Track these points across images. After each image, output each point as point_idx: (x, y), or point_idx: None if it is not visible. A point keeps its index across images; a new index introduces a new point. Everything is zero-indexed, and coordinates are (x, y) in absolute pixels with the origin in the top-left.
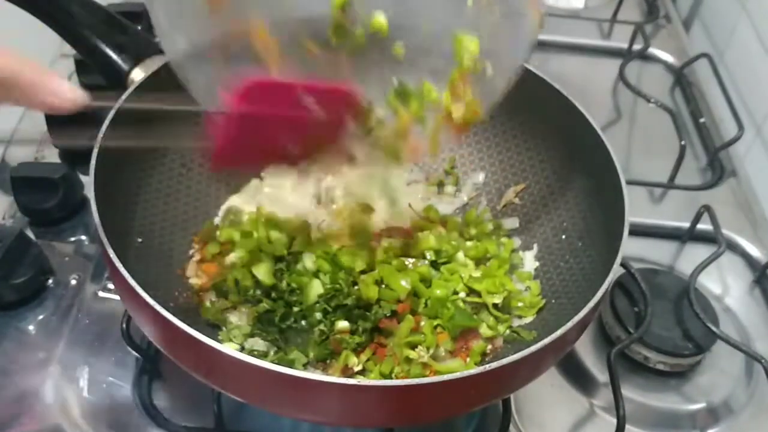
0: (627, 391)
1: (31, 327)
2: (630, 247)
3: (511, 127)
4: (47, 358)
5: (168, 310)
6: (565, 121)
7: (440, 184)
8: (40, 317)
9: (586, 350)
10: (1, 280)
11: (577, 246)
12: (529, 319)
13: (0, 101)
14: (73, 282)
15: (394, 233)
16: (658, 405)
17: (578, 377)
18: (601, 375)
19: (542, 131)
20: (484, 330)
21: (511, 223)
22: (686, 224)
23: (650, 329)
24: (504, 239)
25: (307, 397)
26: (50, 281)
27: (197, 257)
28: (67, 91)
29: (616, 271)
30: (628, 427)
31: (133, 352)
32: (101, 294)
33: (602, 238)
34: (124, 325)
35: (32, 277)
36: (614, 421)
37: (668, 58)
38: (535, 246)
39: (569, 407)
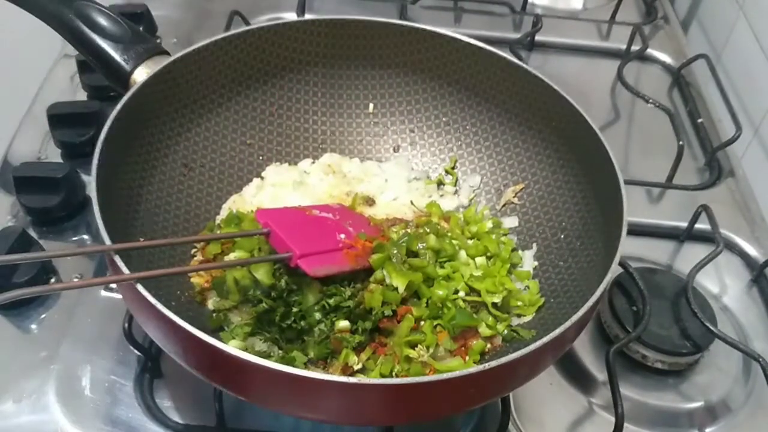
0: (625, 390)
1: (33, 326)
2: (628, 246)
3: (510, 127)
4: (50, 356)
5: (170, 309)
6: (564, 121)
7: (440, 183)
8: (43, 316)
9: (584, 349)
10: (3, 279)
11: (576, 246)
12: (528, 318)
13: None
14: (76, 281)
15: (398, 224)
16: (656, 403)
17: (577, 376)
18: (600, 374)
19: (541, 131)
20: (484, 329)
21: (511, 222)
22: (684, 224)
23: (648, 328)
24: (504, 238)
25: (308, 395)
26: (53, 281)
27: (199, 257)
28: None
29: (615, 270)
30: (626, 425)
31: (135, 351)
32: (103, 293)
33: (600, 238)
34: (126, 324)
35: (35, 277)
36: (613, 419)
37: (666, 58)
38: (534, 245)
39: (568, 406)
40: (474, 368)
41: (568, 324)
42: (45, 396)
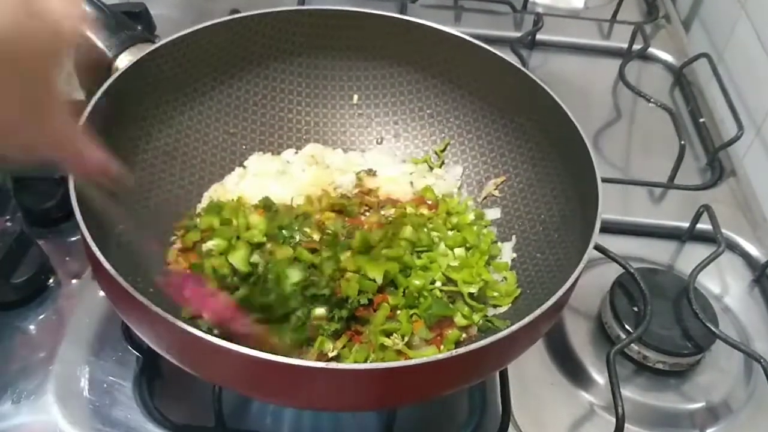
0: (626, 391)
1: (31, 326)
2: (629, 246)
3: (493, 120)
4: (48, 357)
5: (148, 296)
6: (545, 114)
7: (429, 166)
8: (41, 317)
9: (585, 350)
10: (1, 279)
11: (554, 238)
12: (503, 309)
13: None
14: (74, 281)
15: (389, 203)
16: (657, 404)
17: (578, 376)
18: (601, 374)
19: (522, 124)
20: (459, 319)
21: (494, 213)
22: (686, 224)
23: (650, 329)
24: (485, 230)
25: (280, 380)
26: (50, 281)
27: (178, 244)
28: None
29: (587, 260)
30: (627, 426)
31: (134, 352)
32: (102, 293)
33: (578, 230)
34: (125, 325)
35: (32, 277)
36: (613, 420)
37: (668, 57)
38: (514, 237)
39: (569, 406)
40: (443, 354)
41: (537, 312)
42: (44, 396)
